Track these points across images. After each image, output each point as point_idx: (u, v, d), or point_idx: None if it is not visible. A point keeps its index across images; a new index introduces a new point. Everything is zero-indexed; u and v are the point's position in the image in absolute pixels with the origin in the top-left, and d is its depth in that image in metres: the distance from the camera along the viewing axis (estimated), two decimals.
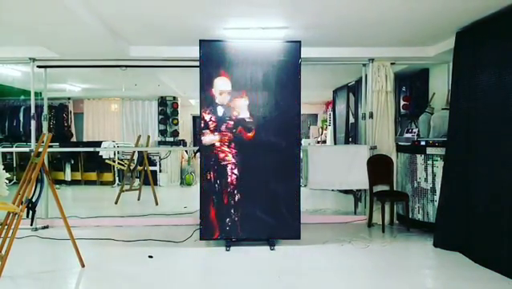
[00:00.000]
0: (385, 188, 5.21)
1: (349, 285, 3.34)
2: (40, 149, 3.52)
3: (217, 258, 3.99)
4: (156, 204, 6.55)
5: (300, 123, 4.34)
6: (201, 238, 4.32)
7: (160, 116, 10.30)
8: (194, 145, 10.34)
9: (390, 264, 3.83)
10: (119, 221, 5.33)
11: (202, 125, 4.24)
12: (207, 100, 4.23)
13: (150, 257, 3.93)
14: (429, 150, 4.74)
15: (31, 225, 4.61)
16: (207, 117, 4.23)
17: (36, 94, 5.27)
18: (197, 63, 4.29)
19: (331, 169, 5.20)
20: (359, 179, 5.19)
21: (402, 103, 6.56)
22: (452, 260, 3.85)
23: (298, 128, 4.33)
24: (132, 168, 7.13)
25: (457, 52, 4.22)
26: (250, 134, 4.23)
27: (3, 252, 3.28)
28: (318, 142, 11.03)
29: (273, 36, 4.37)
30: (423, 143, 4.85)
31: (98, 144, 8.62)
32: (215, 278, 3.51)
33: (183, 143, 10.19)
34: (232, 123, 4.24)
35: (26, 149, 5.43)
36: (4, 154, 8.42)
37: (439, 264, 3.88)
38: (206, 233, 4.27)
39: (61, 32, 3.92)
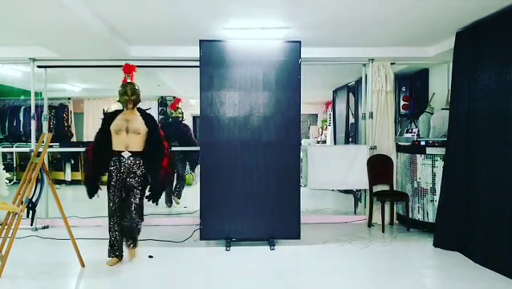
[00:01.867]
0: (385, 188, 5.21)
1: (349, 285, 3.34)
2: (40, 149, 3.53)
3: (217, 258, 3.99)
4: (157, 204, 6.53)
5: (300, 123, 4.35)
6: (201, 238, 4.32)
7: (160, 116, 10.29)
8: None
9: (390, 264, 3.83)
10: None
11: (203, 125, 4.25)
12: (207, 100, 4.24)
13: (150, 257, 3.93)
14: (429, 150, 4.74)
15: (31, 225, 4.61)
16: (208, 116, 4.24)
17: (36, 94, 5.26)
18: (197, 63, 4.30)
19: (330, 169, 5.20)
20: (359, 179, 5.19)
21: (402, 103, 6.57)
22: (452, 260, 3.85)
23: (299, 128, 4.34)
24: None
25: (457, 52, 4.22)
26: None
27: (3, 252, 3.29)
28: (318, 142, 11.05)
29: (273, 36, 4.37)
30: (423, 143, 4.85)
31: None
32: (215, 278, 3.51)
33: None
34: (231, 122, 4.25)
35: (26, 149, 5.43)
36: (4, 154, 8.42)
37: (439, 264, 3.88)
38: (206, 233, 4.28)
39: (61, 32, 3.91)
